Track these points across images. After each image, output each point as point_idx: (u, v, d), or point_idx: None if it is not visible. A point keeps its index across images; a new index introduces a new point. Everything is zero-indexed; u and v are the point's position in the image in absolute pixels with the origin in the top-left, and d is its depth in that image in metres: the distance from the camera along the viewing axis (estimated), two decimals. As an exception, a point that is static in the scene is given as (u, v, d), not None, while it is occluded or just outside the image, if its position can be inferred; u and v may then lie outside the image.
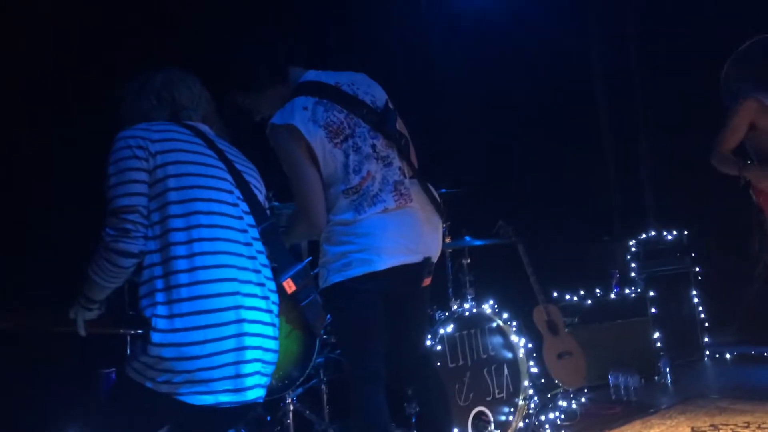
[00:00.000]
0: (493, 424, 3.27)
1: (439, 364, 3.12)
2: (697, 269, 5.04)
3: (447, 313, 3.33)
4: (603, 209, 5.80)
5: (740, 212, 5.27)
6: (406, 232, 2.28)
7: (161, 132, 1.81)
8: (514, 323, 3.49)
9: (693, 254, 5.06)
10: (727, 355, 4.94)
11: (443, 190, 3.63)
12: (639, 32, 6.06)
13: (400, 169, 2.34)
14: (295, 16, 4.33)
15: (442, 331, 3.21)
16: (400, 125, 2.42)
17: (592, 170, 5.82)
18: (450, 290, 3.70)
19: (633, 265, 4.96)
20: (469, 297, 3.61)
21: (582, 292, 4.58)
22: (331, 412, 3.15)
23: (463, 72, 4.98)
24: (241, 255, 1.79)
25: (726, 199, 5.36)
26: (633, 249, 5.01)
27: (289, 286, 1.96)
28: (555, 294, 4.51)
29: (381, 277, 2.22)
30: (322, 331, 2.80)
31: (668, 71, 5.65)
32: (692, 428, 3.26)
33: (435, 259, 2.40)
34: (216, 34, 3.52)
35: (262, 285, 1.84)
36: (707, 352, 4.99)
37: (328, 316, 2.22)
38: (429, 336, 3.13)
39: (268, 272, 1.90)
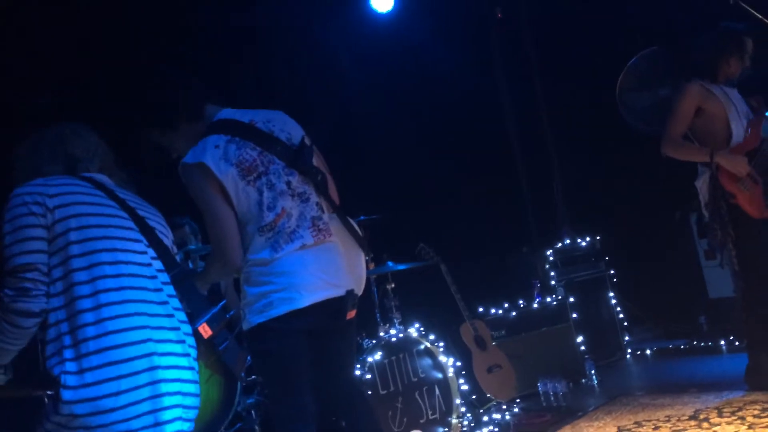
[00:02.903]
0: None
1: (370, 392, 3.14)
2: (612, 272, 5.27)
3: (374, 341, 3.36)
4: (519, 223, 6.00)
5: (644, 216, 5.59)
6: (326, 267, 2.29)
7: (58, 186, 1.79)
8: (441, 343, 3.56)
9: (606, 258, 5.29)
10: (648, 352, 5.18)
11: (362, 218, 3.68)
12: (543, 53, 6.35)
13: (317, 204, 2.35)
14: (207, 54, 4.33)
15: (370, 359, 3.24)
16: (318, 161, 2.44)
17: (507, 188, 6.02)
18: (377, 316, 3.74)
19: (552, 273, 5.14)
20: (396, 321, 3.66)
21: (506, 305, 4.70)
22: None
23: (379, 101, 5.08)
24: (151, 302, 1.79)
25: (630, 204, 5.68)
26: (550, 258, 5.19)
27: (205, 330, 1.95)
28: (480, 309, 4.62)
29: (304, 315, 2.22)
30: (243, 374, 2.77)
31: (573, 88, 5.94)
32: (618, 428, 3.39)
33: (359, 292, 2.42)
34: (130, 73, 3.49)
35: (176, 329, 1.83)
36: (629, 351, 5.21)
37: (249, 357, 2.21)
38: (358, 365, 3.15)
39: (182, 315, 1.90)
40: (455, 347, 4.01)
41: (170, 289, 1.88)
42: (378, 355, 3.28)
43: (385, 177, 4.70)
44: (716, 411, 3.32)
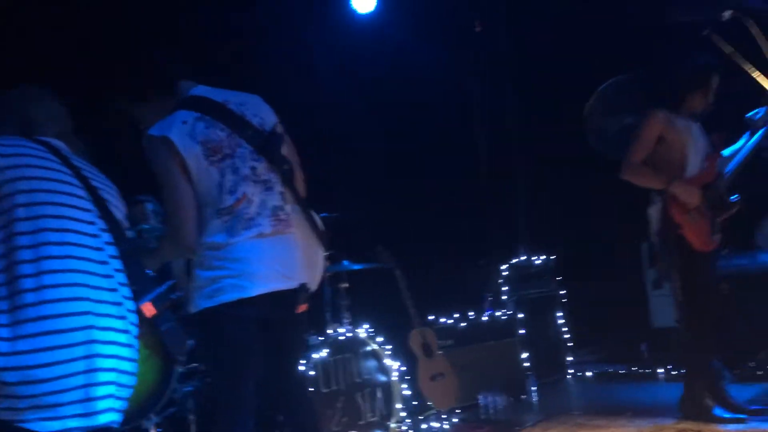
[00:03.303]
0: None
1: (312, 389, 3.13)
2: (562, 292, 5.35)
3: (321, 338, 3.35)
4: (478, 236, 6.06)
5: (600, 240, 5.70)
6: (281, 258, 2.26)
7: (11, 147, 1.75)
8: (389, 347, 3.56)
9: (559, 278, 5.37)
10: (588, 373, 5.28)
11: (323, 215, 3.67)
12: (516, 74, 6.44)
13: (281, 194, 2.32)
14: (185, 33, 4.29)
15: (316, 356, 3.23)
16: (288, 151, 2.41)
17: (470, 199, 6.07)
18: (327, 315, 3.74)
19: (505, 288, 5.20)
20: (345, 321, 3.65)
21: (456, 315, 4.74)
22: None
23: (352, 100, 5.08)
24: (95, 274, 1.74)
25: (588, 228, 5.79)
26: (505, 273, 5.25)
27: (149, 309, 1.90)
28: (431, 317, 4.64)
29: (253, 304, 2.20)
30: (185, 359, 2.73)
31: (542, 109, 6.04)
32: (552, 444, 3.46)
33: (313, 287, 2.40)
34: (110, 43, 3.42)
35: (118, 304, 1.79)
36: (570, 371, 5.30)
37: (190, 342, 2.17)
38: (303, 362, 3.14)
39: (126, 291, 1.85)
40: (402, 352, 4.03)
41: (117, 264, 1.84)
42: (324, 353, 3.27)
43: (351, 176, 4.70)
44: (648, 436, 3.41)
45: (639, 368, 5.13)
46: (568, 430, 3.72)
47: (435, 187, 5.41)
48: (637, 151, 3.60)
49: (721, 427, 3.40)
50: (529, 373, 4.75)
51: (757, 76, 1.98)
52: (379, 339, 3.52)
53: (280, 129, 2.40)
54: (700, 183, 3.53)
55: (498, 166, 6.36)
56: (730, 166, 3.54)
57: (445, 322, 4.68)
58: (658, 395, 4.37)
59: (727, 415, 3.50)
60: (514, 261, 5.33)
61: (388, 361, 3.52)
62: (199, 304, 2.21)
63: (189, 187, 2.20)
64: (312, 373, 3.19)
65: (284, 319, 2.38)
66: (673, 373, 4.79)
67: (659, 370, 4.94)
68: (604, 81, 4.86)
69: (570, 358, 5.33)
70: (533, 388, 4.63)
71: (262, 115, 2.39)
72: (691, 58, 3.66)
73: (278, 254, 2.26)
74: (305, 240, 2.38)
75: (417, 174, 5.27)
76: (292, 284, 2.29)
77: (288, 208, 2.33)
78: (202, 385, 3.17)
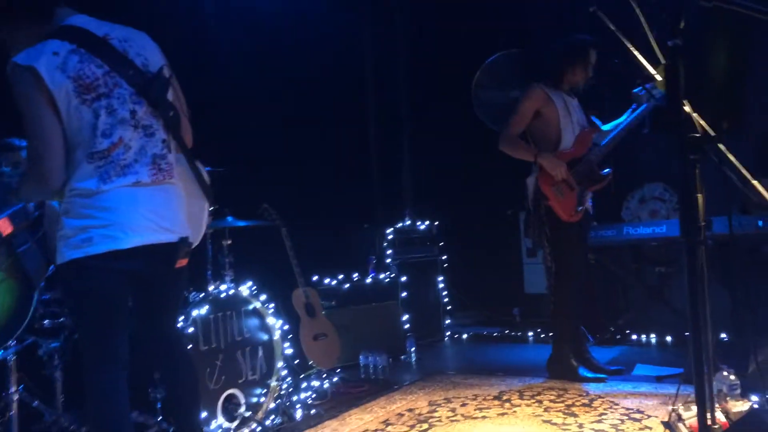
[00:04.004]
0: (244, 407, 3.26)
1: (191, 346, 3.02)
2: (444, 257, 5.50)
3: (202, 295, 3.23)
4: (365, 199, 6.08)
5: (482, 208, 5.90)
6: (159, 210, 2.15)
7: None
8: (272, 305, 3.51)
9: (441, 244, 5.51)
10: (464, 336, 5.48)
11: (208, 169, 3.51)
12: (409, 44, 6.46)
13: (164, 141, 2.19)
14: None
15: (195, 312, 3.11)
16: (175, 97, 2.26)
17: (357, 162, 6.06)
18: (209, 272, 3.61)
19: (389, 252, 5.27)
20: (228, 279, 3.54)
21: (340, 277, 4.75)
22: (66, 401, 2.90)
23: (244, 54, 4.87)
24: None
25: (471, 196, 5.96)
26: (389, 237, 5.31)
27: (5, 226, 1.71)
28: (315, 278, 4.63)
29: (126, 256, 2.08)
30: (42, 284, 2.53)
31: (432, 79, 6.10)
32: (429, 402, 3.56)
33: (195, 241, 2.29)
34: None
35: None
36: (448, 333, 5.48)
37: (51, 266, 1.98)
38: (182, 318, 3.02)
39: None
40: (285, 311, 3.99)
41: None
42: (204, 310, 3.16)
43: (239, 131, 4.53)
44: (518, 393, 3.59)
45: (511, 331, 5.39)
46: (444, 388, 3.84)
47: (324, 149, 5.34)
48: (515, 124, 3.75)
49: (584, 386, 3.65)
50: (408, 334, 4.86)
51: (638, 54, 2.07)
52: (262, 297, 3.45)
53: (167, 72, 2.23)
54: (568, 157, 3.71)
55: (387, 132, 6.39)
56: (607, 139, 3.73)
57: (329, 283, 4.69)
58: (528, 357, 4.63)
59: (589, 375, 3.76)
60: (398, 225, 5.40)
61: (270, 320, 3.46)
62: (65, 254, 2.06)
63: (57, 125, 2.01)
64: (191, 330, 3.07)
65: (161, 274, 2.25)
66: (542, 336, 5.08)
67: (529, 333, 5.22)
68: (493, 53, 4.97)
69: (448, 321, 5.52)
70: (412, 349, 4.74)
71: (147, 54, 2.22)
72: (570, 34, 3.82)
73: (156, 205, 2.14)
74: (188, 192, 2.26)
75: (307, 134, 5.17)
76: (171, 237, 2.18)
77: (170, 157, 2.21)
78: (68, 342, 2.97)
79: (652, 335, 4.70)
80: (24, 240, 1.77)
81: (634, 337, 4.74)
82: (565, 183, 3.66)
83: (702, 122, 1.79)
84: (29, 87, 1.98)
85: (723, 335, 4.02)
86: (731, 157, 1.91)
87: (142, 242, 2.10)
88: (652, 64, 2.07)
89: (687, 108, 1.81)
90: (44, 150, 2.01)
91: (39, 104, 1.99)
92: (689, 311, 1.21)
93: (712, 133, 1.83)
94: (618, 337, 4.78)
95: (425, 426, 3.16)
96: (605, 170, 3.75)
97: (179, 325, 2.94)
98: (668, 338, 4.62)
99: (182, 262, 2.26)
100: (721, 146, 1.89)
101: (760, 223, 3.86)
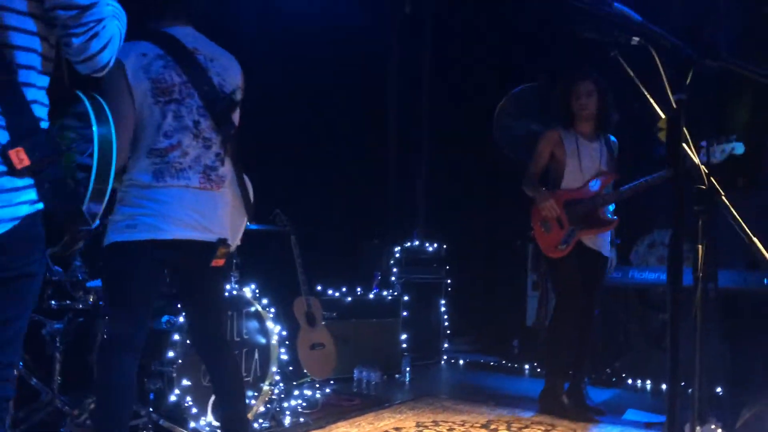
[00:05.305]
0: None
1: (188, 342, 3.07)
2: (449, 281, 5.53)
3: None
4: (376, 214, 6.12)
5: (492, 237, 5.92)
6: (203, 210, 2.32)
7: None
8: (273, 310, 3.55)
9: (447, 267, 5.54)
10: (461, 361, 5.49)
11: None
12: (435, 58, 6.52)
13: (217, 155, 2.37)
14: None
15: (197, 309, 3.16)
16: (237, 117, 2.46)
17: (373, 177, 6.12)
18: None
19: (395, 270, 5.31)
20: (233, 279, 3.60)
21: (344, 289, 4.79)
22: (63, 383, 2.96)
23: (260, 56, 4.95)
24: None
25: (484, 223, 5.99)
26: (397, 255, 5.35)
27: (20, 158, 1.43)
28: (319, 287, 4.67)
29: (165, 247, 2.25)
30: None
31: (455, 103, 6.16)
32: (417, 423, 3.58)
33: (232, 248, 2.46)
34: None
35: None
36: (444, 357, 5.49)
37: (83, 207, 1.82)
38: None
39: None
40: (285, 318, 4.03)
41: None
42: (206, 308, 3.21)
43: (257, 136, 4.60)
44: (506, 424, 3.59)
45: (508, 362, 5.40)
46: (433, 411, 3.86)
47: (341, 162, 5.41)
48: (533, 164, 3.89)
49: (572, 423, 3.65)
50: (405, 353, 4.88)
51: (653, 101, 2.11)
52: (264, 301, 3.50)
53: (239, 95, 2.44)
54: (567, 196, 3.79)
55: (404, 151, 6.46)
56: (625, 187, 3.78)
57: (332, 294, 4.73)
58: (522, 389, 4.62)
59: (581, 414, 3.76)
60: (407, 244, 5.44)
61: (270, 324, 3.50)
62: (110, 237, 2.25)
63: (131, 112, 2.22)
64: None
65: (198, 271, 2.42)
66: (538, 370, 5.08)
67: (525, 366, 5.22)
68: (515, 86, 5.04)
69: (446, 345, 5.53)
70: (407, 369, 4.76)
71: (226, 76, 2.42)
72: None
73: (201, 205, 2.31)
74: (233, 204, 2.44)
75: (326, 144, 5.25)
76: (209, 237, 2.34)
77: (222, 171, 2.38)
78: (71, 325, 3.04)
79: (648, 381, 4.68)
80: (53, 175, 1.48)
81: (630, 381, 4.73)
82: (557, 220, 3.74)
83: (707, 173, 1.82)
84: (114, 76, 2.17)
85: (718, 389, 4.00)
86: (734, 213, 1.94)
87: (181, 236, 2.27)
88: (664, 112, 2.11)
89: (695, 159, 1.85)
90: (116, 129, 2.18)
91: (121, 91, 2.20)
92: (668, 358, 1.24)
93: (719, 189, 1.86)
94: (614, 379, 4.77)
95: (410, 446, 3.17)
96: (611, 215, 3.80)
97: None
98: (663, 386, 4.61)
99: (219, 262, 2.41)
100: (726, 201, 1.92)
101: (766, 281, 3.86)
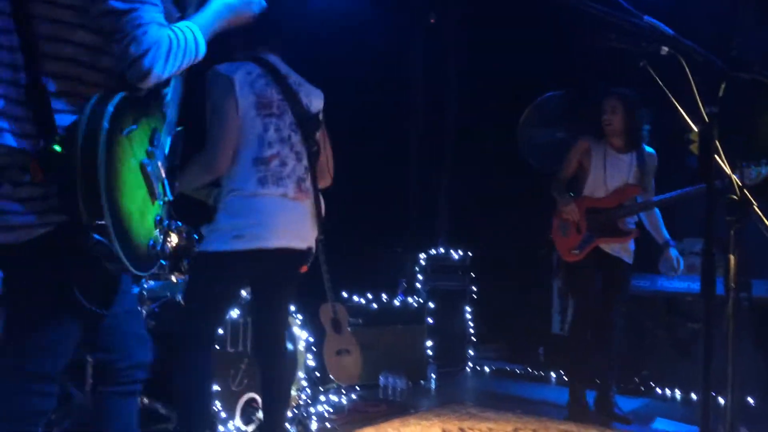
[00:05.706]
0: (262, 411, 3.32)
1: (218, 348, 3.11)
2: (474, 288, 5.52)
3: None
4: (401, 222, 6.14)
5: (518, 243, 5.89)
6: (297, 220, 2.53)
7: None
8: (300, 316, 3.59)
9: (472, 275, 5.53)
10: (487, 369, 5.48)
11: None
12: (461, 67, 6.53)
13: (306, 169, 2.58)
14: None
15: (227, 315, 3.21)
16: (320, 138, 2.68)
17: (397, 185, 6.15)
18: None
19: (420, 277, 5.32)
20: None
21: (370, 296, 4.81)
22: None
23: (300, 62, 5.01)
24: None
25: (508, 230, 5.97)
26: (422, 263, 5.36)
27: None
28: (345, 294, 4.69)
29: (267, 255, 2.42)
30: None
31: (479, 111, 6.15)
32: (443, 429, 3.58)
33: (312, 255, 2.67)
34: None
35: None
36: (470, 364, 5.48)
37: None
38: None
39: None
40: (311, 324, 4.05)
41: None
42: (235, 314, 3.25)
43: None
44: (532, 431, 3.58)
45: (534, 370, 5.37)
46: (459, 417, 3.86)
47: (367, 169, 5.44)
48: (562, 171, 3.94)
49: (601, 430, 3.62)
50: (431, 360, 4.88)
51: (683, 113, 2.11)
52: (291, 307, 3.54)
53: (321, 117, 2.70)
54: (589, 204, 3.82)
55: (428, 158, 6.46)
56: (654, 199, 3.78)
57: (358, 301, 4.76)
58: (549, 396, 4.60)
59: (607, 422, 3.73)
60: (432, 252, 5.45)
61: (297, 330, 3.54)
62: (213, 245, 2.40)
63: (237, 122, 2.40)
64: (220, 332, 3.17)
65: (283, 276, 2.63)
66: (564, 378, 5.04)
67: (551, 374, 5.19)
68: (540, 95, 5.02)
69: (472, 352, 5.52)
70: (433, 376, 4.77)
71: (312, 99, 2.66)
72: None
73: (296, 216, 2.52)
74: (311, 215, 2.63)
75: (351, 151, 5.26)
76: (302, 245, 2.56)
77: (308, 183, 2.59)
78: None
79: (677, 390, 4.62)
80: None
81: (659, 390, 4.67)
82: (576, 225, 3.78)
83: (739, 185, 1.81)
84: (224, 89, 2.40)
85: (750, 399, 3.94)
86: (767, 223, 1.93)
87: (283, 245, 2.46)
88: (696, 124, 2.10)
89: (727, 170, 1.84)
90: (221, 138, 2.39)
91: (228, 103, 2.40)
92: (702, 368, 1.24)
93: (751, 199, 1.85)
94: (642, 388, 4.72)
95: (437, 453, 3.18)
96: (632, 225, 3.80)
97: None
98: (693, 395, 4.55)
99: (305, 268, 2.65)
100: (758, 211, 1.91)
101: (798, 290, 3.80)
